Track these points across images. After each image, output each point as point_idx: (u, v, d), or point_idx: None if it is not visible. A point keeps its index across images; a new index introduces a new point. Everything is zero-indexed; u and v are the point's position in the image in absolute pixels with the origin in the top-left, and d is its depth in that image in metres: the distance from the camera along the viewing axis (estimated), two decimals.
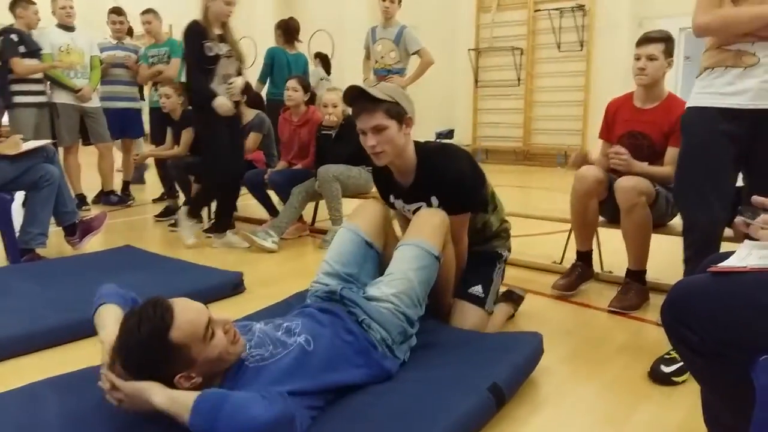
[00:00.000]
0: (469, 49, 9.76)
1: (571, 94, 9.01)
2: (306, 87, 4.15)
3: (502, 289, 2.44)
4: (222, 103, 3.45)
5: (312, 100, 4.27)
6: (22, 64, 4.48)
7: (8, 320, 2.20)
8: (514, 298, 2.49)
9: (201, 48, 3.44)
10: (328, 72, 6.79)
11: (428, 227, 1.97)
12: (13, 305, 2.37)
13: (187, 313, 1.39)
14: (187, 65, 3.57)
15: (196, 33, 3.46)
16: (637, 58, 2.67)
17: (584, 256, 2.86)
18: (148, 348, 1.34)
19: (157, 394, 1.32)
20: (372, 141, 1.99)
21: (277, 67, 5.30)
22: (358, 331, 1.73)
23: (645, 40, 2.67)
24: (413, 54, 4.64)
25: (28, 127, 4.40)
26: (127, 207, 5.22)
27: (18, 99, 4.51)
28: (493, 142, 9.90)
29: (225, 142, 3.58)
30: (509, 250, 2.41)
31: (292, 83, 4.12)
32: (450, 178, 2.06)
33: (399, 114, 2.00)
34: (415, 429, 1.43)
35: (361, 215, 2.10)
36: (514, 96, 9.56)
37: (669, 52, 2.66)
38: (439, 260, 1.94)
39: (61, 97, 4.75)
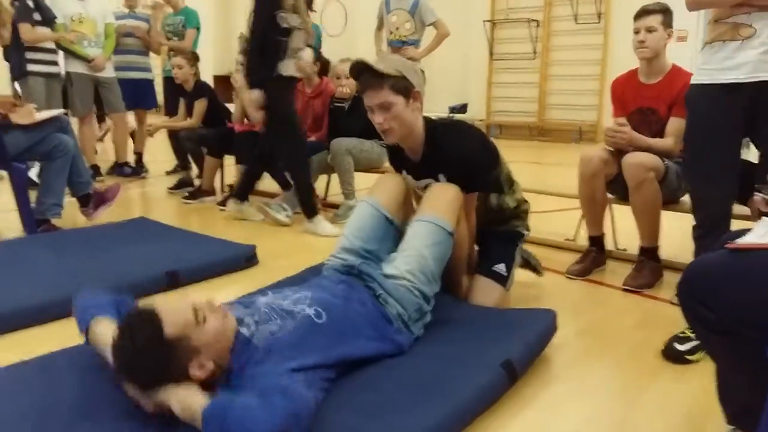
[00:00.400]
0: (484, 21, 9.62)
1: (587, 67, 8.87)
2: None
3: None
4: (256, 98, 3.29)
5: (325, 71, 4.24)
6: (31, 32, 4.41)
7: (26, 290, 2.23)
8: (531, 264, 2.49)
9: (273, 18, 3.19)
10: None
11: (441, 203, 1.95)
12: (30, 275, 2.39)
13: (170, 308, 1.38)
14: (254, 36, 3.27)
15: (269, 1, 3.16)
16: (636, 32, 2.66)
17: (597, 241, 2.83)
18: (150, 355, 1.31)
19: (173, 404, 1.30)
20: (379, 118, 1.96)
21: None
22: (373, 305, 1.73)
23: (643, 12, 2.65)
24: (429, 26, 4.58)
25: (39, 97, 4.39)
26: (141, 179, 5.24)
27: (30, 67, 4.48)
28: (508, 117, 9.81)
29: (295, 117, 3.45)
30: (528, 230, 2.39)
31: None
32: (457, 157, 2.03)
33: (406, 89, 1.95)
34: (427, 403, 1.44)
35: (381, 189, 2.08)
36: (529, 69, 9.44)
37: (668, 23, 2.64)
38: (452, 236, 1.92)
39: (75, 67, 4.73)
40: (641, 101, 2.74)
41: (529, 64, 9.41)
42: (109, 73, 4.91)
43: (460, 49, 9.03)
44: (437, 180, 2.09)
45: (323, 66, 4.22)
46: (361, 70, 1.95)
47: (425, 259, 1.85)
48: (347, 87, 3.83)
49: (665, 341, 1.95)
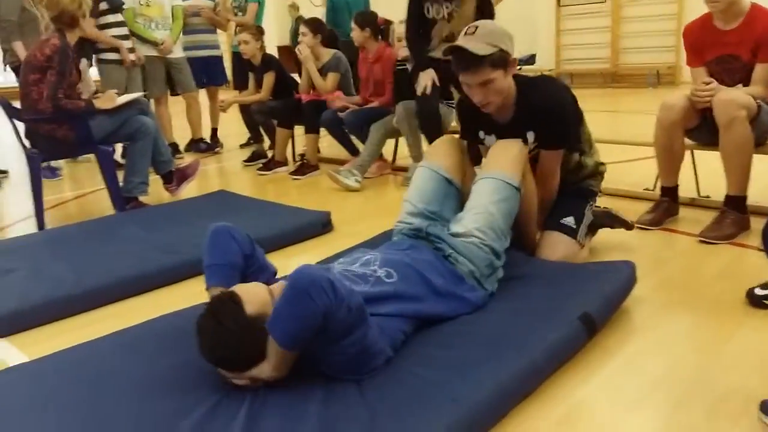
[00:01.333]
0: None
1: (663, 6, 8.37)
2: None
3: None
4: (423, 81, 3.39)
5: (384, 34, 4.21)
6: (90, 28, 4.41)
7: (120, 263, 2.40)
8: (619, 220, 2.41)
9: (420, 6, 3.40)
10: None
11: (506, 158, 1.94)
12: (123, 249, 2.57)
13: (247, 288, 1.44)
14: (406, 24, 3.53)
15: None
16: None
17: (670, 192, 2.72)
18: (237, 336, 1.35)
19: (264, 370, 1.37)
20: (479, 96, 1.97)
21: (336, 9, 5.30)
22: (443, 265, 1.76)
23: None
24: None
25: (119, 83, 4.59)
26: (216, 153, 5.42)
27: (104, 56, 4.65)
28: (579, 65, 9.44)
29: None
30: (600, 190, 2.34)
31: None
32: (551, 108, 2.03)
33: (504, 60, 1.94)
34: (502, 357, 1.46)
35: (438, 152, 2.09)
36: (600, 13, 9.00)
37: None
38: (519, 191, 1.91)
39: (146, 50, 4.90)
40: (720, 49, 2.56)
41: (600, 7, 8.97)
42: (178, 53, 5.05)
43: None
44: (525, 139, 2.09)
45: (382, 28, 4.19)
46: (455, 54, 1.93)
47: (492, 215, 1.85)
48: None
49: (747, 289, 1.89)
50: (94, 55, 4.68)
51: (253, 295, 1.41)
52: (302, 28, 4.29)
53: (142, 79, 4.90)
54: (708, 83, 2.46)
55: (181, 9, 5.07)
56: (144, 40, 4.84)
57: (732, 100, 2.36)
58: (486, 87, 1.94)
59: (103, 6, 4.59)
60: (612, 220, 2.41)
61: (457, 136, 2.27)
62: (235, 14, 5.37)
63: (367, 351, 1.41)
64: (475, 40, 1.91)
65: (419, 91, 3.44)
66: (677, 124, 2.55)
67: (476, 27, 1.97)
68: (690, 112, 2.52)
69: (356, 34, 4.13)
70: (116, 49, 4.64)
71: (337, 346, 1.35)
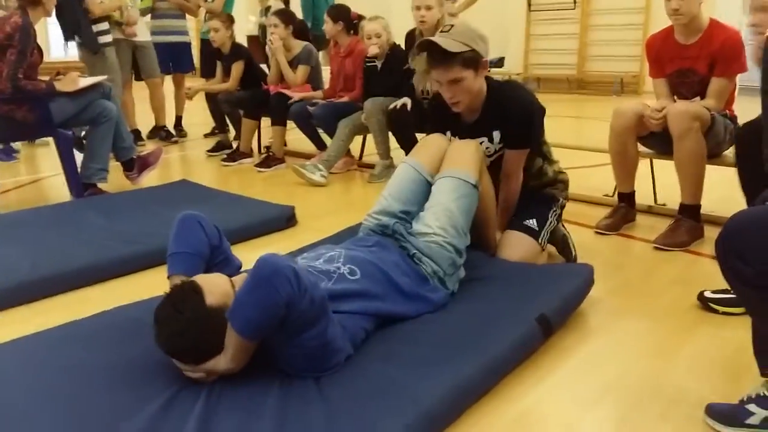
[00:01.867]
0: None
1: (630, 16, 8.56)
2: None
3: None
4: None
5: (356, 30, 4.20)
6: (96, 5, 4.39)
7: (76, 252, 2.33)
8: (567, 252, 2.38)
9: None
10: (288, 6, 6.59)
11: (462, 157, 1.97)
12: (79, 238, 2.50)
13: (208, 278, 1.43)
14: None
15: None
16: None
17: (627, 197, 2.79)
18: (195, 326, 1.33)
19: (221, 363, 1.35)
20: (448, 93, 2.01)
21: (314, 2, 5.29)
22: (407, 264, 1.76)
23: None
24: None
25: (122, 64, 4.52)
26: (173, 143, 5.27)
27: (101, 39, 4.47)
28: (546, 70, 9.58)
29: None
30: (566, 199, 2.38)
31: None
32: (519, 108, 2.10)
33: (475, 61, 1.99)
34: (463, 356, 1.48)
35: (424, 151, 2.08)
36: (569, 20, 9.15)
37: None
38: (477, 188, 1.94)
39: (113, 33, 4.78)
40: (680, 62, 2.65)
41: (569, 14, 9.12)
42: (143, 37, 4.91)
43: (496, 0, 8.79)
44: (491, 138, 2.13)
45: (354, 23, 4.18)
46: (428, 49, 1.97)
47: (452, 212, 1.87)
48: (377, 46, 3.78)
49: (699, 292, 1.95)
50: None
51: (215, 286, 1.39)
52: (274, 20, 4.24)
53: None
54: (660, 109, 2.52)
55: None
56: (112, 22, 4.69)
57: (686, 112, 2.43)
58: (456, 85, 1.99)
59: None
60: (562, 247, 2.39)
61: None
62: (205, 0, 5.28)
63: (327, 347, 1.40)
64: (449, 38, 1.95)
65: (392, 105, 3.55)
66: (630, 130, 2.62)
67: (452, 26, 2.01)
68: (641, 120, 2.59)
69: (329, 27, 4.12)
70: (106, 32, 4.49)
71: (297, 338, 1.34)
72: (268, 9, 5.24)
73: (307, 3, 5.48)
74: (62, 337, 1.65)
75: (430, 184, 2.01)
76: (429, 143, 2.11)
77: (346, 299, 1.55)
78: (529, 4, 9.49)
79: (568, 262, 2.34)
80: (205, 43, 5.26)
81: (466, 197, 1.91)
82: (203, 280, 1.41)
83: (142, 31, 4.90)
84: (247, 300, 1.28)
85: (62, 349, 1.58)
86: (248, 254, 2.45)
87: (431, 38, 1.97)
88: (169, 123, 5.42)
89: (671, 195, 2.91)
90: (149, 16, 5.16)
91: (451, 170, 1.94)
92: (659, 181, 3.07)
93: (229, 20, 4.54)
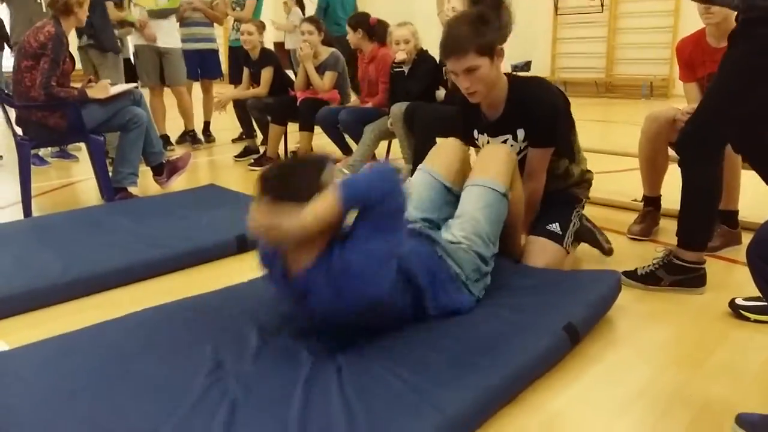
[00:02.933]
0: None
1: (659, 19, 8.44)
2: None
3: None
4: None
5: (382, 36, 4.21)
6: (114, 12, 4.50)
7: (106, 254, 2.38)
8: (598, 241, 2.39)
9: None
10: (303, 12, 6.60)
11: (493, 164, 1.95)
12: (109, 240, 2.55)
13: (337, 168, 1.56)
14: None
15: None
16: None
17: (653, 201, 2.75)
18: (303, 169, 1.46)
19: (294, 217, 1.39)
20: (465, 83, 2.00)
21: (330, 5, 5.29)
22: (437, 262, 1.76)
23: None
24: None
25: (151, 71, 4.64)
26: (196, 148, 5.31)
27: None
28: (573, 74, 9.49)
29: None
30: (587, 198, 2.35)
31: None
32: (543, 106, 2.07)
33: (490, 48, 1.97)
34: (488, 365, 1.47)
35: (438, 157, 2.08)
36: (596, 23, 9.06)
37: None
38: (506, 197, 1.92)
39: (138, 39, 4.87)
40: (712, 66, 2.57)
41: (597, 17, 9.02)
42: (168, 44, 4.94)
43: (524, 4, 8.72)
44: (515, 135, 2.11)
45: (380, 31, 4.20)
46: (443, 40, 1.98)
47: (478, 221, 1.86)
48: (404, 52, 3.79)
49: (730, 299, 1.92)
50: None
51: (333, 175, 1.49)
52: (307, 26, 4.28)
53: (137, 69, 4.87)
54: (692, 112, 2.47)
55: None
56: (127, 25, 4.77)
57: None
58: (472, 74, 1.97)
59: None
60: (594, 240, 2.38)
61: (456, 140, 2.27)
62: (233, 9, 5.35)
63: (391, 261, 1.47)
64: (462, 26, 1.97)
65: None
66: (662, 136, 2.58)
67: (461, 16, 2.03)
68: (674, 125, 2.54)
69: (351, 37, 4.16)
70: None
71: (375, 238, 1.43)
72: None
73: (320, 11, 5.50)
74: (89, 339, 1.68)
75: (448, 189, 2.00)
76: (442, 149, 2.10)
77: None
78: (556, 8, 9.42)
79: (603, 253, 2.35)
80: (232, 51, 5.35)
81: (494, 206, 1.89)
82: (333, 165, 1.51)
83: (168, 37, 4.94)
84: (361, 177, 1.48)
85: (88, 350, 1.61)
86: None
87: (444, 30, 1.99)
88: (198, 128, 5.49)
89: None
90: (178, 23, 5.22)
91: (480, 178, 1.93)
92: None
93: (262, 26, 4.61)
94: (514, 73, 2.15)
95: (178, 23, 5.07)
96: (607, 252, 2.38)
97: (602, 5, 8.92)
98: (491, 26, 1.98)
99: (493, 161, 1.96)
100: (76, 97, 3.22)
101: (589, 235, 2.38)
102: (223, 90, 4.94)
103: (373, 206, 1.43)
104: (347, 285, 1.42)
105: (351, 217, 1.50)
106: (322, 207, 1.41)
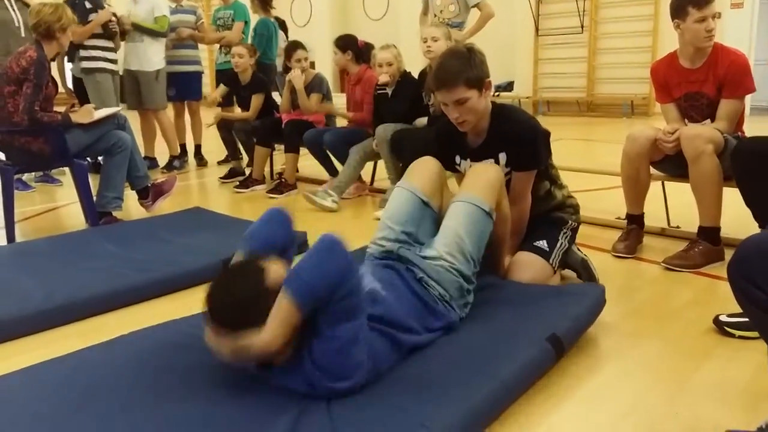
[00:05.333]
0: None
1: (638, 39, 8.61)
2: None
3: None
4: None
5: (366, 58, 4.26)
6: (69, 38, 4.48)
7: (91, 280, 2.36)
8: (589, 272, 2.36)
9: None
10: (286, 35, 6.71)
11: (480, 183, 1.97)
12: (94, 266, 2.52)
13: (273, 263, 1.48)
14: None
15: None
16: (702, 20, 2.50)
17: (637, 219, 2.78)
18: (250, 291, 1.40)
19: (259, 337, 1.36)
20: (455, 113, 2.06)
21: (265, 35, 5.40)
22: (420, 290, 1.77)
23: None
24: (473, 7, 4.53)
25: (108, 93, 4.57)
26: (181, 172, 5.28)
27: (90, 65, 4.59)
28: (555, 94, 9.62)
29: None
30: (578, 223, 2.37)
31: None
32: (523, 129, 2.14)
33: (479, 81, 2.04)
34: (473, 379, 1.47)
35: (416, 173, 2.10)
36: (577, 44, 9.22)
37: None
38: (491, 215, 1.93)
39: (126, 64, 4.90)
40: (687, 86, 2.66)
41: (577, 38, 9.18)
42: (145, 67, 4.95)
43: (504, 26, 8.87)
44: (497, 160, 2.16)
45: (367, 53, 4.24)
46: (434, 71, 2.05)
47: (461, 239, 1.87)
48: (388, 74, 3.84)
49: (715, 316, 1.93)
50: (81, 65, 4.64)
51: (275, 272, 1.44)
52: (302, 53, 4.30)
53: (121, 92, 4.87)
54: (672, 132, 2.52)
55: (165, 20, 4.98)
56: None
57: (698, 135, 2.44)
58: (462, 105, 2.04)
59: (87, 5, 4.50)
60: (585, 269, 2.36)
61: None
62: (218, 30, 5.38)
63: (356, 346, 1.42)
64: (453, 59, 2.04)
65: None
66: (643, 155, 2.62)
67: (456, 50, 2.09)
68: (655, 144, 2.59)
69: (338, 58, 4.20)
70: (108, 60, 4.62)
71: (335, 327, 1.38)
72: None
73: (257, 38, 5.51)
74: (75, 365, 1.66)
75: (425, 204, 2.01)
76: (419, 167, 2.11)
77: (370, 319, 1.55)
78: (537, 29, 9.57)
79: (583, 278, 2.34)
80: (220, 74, 5.36)
81: (478, 224, 1.90)
82: (268, 263, 1.46)
83: (144, 60, 4.95)
84: (306, 265, 1.37)
85: (76, 376, 1.59)
86: None
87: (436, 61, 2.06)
88: (189, 150, 5.49)
89: (685, 217, 2.90)
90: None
91: (466, 195, 1.95)
92: (671, 203, 3.06)
93: (253, 49, 4.64)
94: (497, 93, 2.20)
95: (162, 46, 5.08)
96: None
97: (582, 26, 9.09)
98: (480, 60, 2.05)
99: (481, 179, 1.98)
100: (59, 122, 3.21)
101: (581, 264, 2.37)
102: (206, 112, 4.94)
103: (328, 298, 1.36)
104: (320, 384, 1.41)
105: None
106: (281, 319, 1.36)
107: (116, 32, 4.67)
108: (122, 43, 4.95)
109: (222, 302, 1.41)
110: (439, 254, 1.84)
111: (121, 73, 4.96)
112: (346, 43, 4.19)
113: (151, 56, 4.99)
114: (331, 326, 1.38)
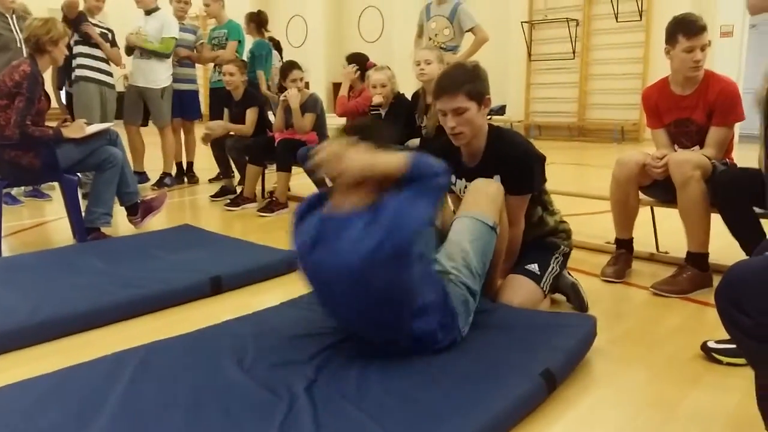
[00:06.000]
0: (522, 22, 9.55)
1: (629, 66, 8.73)
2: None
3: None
4: None
5: (362, 79, 4.30)
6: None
7: (77, 296, 2.33)
8: (578, 300, 2.34)
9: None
10: (281, 55, 6.81)
11: (483, 198, 2.00)
12: (81, 282, 2.49)
13: None
14: None
15: None
16: (690, 51, 2.52)
17: (626, 243, 2.79)
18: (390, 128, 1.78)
19: (358, 155, 1.62)
20: (452, 122, 2.08)
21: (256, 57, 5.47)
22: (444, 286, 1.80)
23: (699, 29, 2.51)
24: (467, 31, 4.58)
25: (90, 102, 4.56)
26: (171, 189, 5.30)
27: (79, 72, 4.59)
28: (547, 118, 9.71)
29: None
30: (570, 248, 2.38)
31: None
32: (519, 153, 2.16)
33: (479, 95, 2.08)
34: (465, 412, 1.45)
35: None
36: (569, 69, 9.33)
37: None
38: (495, 230, 1.95)
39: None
40: (678, 113, 2.69)
41: (569, 63, 9.30)
42: (149, 83, 5.02)
43: (497, 50, 8.97)
44: None
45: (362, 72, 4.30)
46: (438, 79, 2.12)
47: (467, 253, 1.88)
48: (381, 95, 3.87)
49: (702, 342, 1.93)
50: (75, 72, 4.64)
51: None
52: (298, 74, 4.33)
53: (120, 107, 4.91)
54: (661, 157, 2.55)
55: (173, 42, 5.02)
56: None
57: (686, 161, 2.46)
58: (460, 116, 2.06)
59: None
60: (575, 294, 2.34)
61: None
62: (213, 49, 5.41)
63: (427, 215, 1.67)
64: (457, 70, 2.13)
65: None
66: (632, 180, 2.64)
67: (462, 63, 2.21)
68: (644, 169, 2.61)
69: (348, 71, 4.32)
70: (94, 68, 4.63)
71: (418, 201, 1.61)
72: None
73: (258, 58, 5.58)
74: (57, 384, 1.63)
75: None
76: None
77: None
78: (529, 54, 9.69)
79: (581, 311, 2.29)
80: (213, 92, 5.38)
81: (483, 238, 1.92)
82: None
83: (150, 78, 5.00)
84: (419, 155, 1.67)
85: (58, 397, 1.56)
86: (250, 299, 2.46)
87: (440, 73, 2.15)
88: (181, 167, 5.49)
89: (673, 242, 2.91)
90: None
91: (471, 210, 1.97)
92: (660, 229, 3.07)
93: (244, 66, 4.66)
94: (489, 116, 2.23)
95: (168, 64, 5.11)
96: (584, 309, 2.31)
97: (574, 52, 9.21)
98: (484, 77, 2.12)
99: (483, 194, 2.01)
100: (51, 136, 3.20)
101: (571, 288, 2.36)
102: (215, 124, 4.93)
103: (428, 177, 1.63)
104: (380, 222, 1.55)
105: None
106: (391, 158, 1.62)
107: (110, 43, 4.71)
108: (129, 58, 5.02)
109: (361, 121, 1.80)
110: (445, 268, 1.85)
111: (122, 88, 4.98)
112: (357, 61, 4.27)
113: (158, 74, 5.03)
114: (414, 194, 1.61)
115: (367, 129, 1.72)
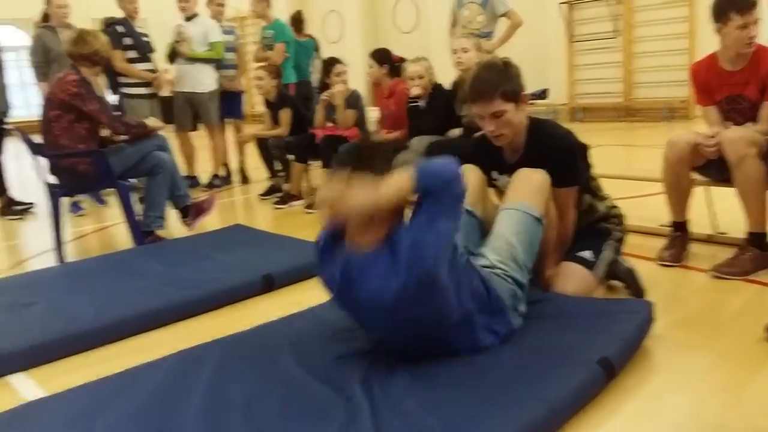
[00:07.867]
0: (560, 3, 9.33)
1: (674, 42, 8.43)
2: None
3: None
4: None
5: (398, 71, 4.30)
6: (121, 61, 4.65)
7: (137, 298, 2.42)
8: (634, 286, 2.29)
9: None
10: (318, 52, 6.78)
11: (528, 188, 1.96)
12: (140, 284, 2.58)
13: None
14: None
15: None
16: (744, 27, 2.44)
17: (682, 226, 2.71)
18: (387, 147, 1.67)
19: (366, 188, 1.54)
20: (491, 126, 2.04)
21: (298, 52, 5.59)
22: (481, 285, 1.76)
23: (752, 4, 2.43)
24: (501, 16, 4.52)
25: (142, 115, 4.70)
26: (221, 190, 5.39)
27: (128, 90, 4.77)
28: (592, 99, 9.47)
29: None
30: (623, 233, 2.33)
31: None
32: (561, 146, 2.10)
33: (515, 94, 2.03)
34: (523, 403, 1.45)
35: None
36: (612, 49, 9.07)
37: None
38: (541, 222, 1.91)
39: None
40: (729, 89, 2.60)
41: (611, 43, 9.03)
42: (197, 88, 5.11)
43: (536, 34, 8.81)
44: None
45: (400, 67, 4.29)
46: (470, 85, 2.05)
47: (513, 246, 1.86)
48: (419, 87, 3.85)
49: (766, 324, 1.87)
50: (120, 89, 4.81)
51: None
52: (342, 67, 4.38)
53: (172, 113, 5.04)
54: (713, 135, 2.47)
55: (219, 45, 5.11)
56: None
57: (740, 138, 2.37)
58: (498, 119, 2.02)
59: (127, 41, 4.69)
60: (632, 281, 2.29)
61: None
62: (264, 51, 5.48)
63: (449, 235, 1.59)
64: (489, 72, 2.04)
65: None
66: (684, 161, 2.56)
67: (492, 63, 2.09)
68: (696, 149, 2.53)
69: (374, 71, 4.26)
70: (142, 84, 4.76)
71: (437, 221, 1.54)
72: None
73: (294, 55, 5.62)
74: (126, 384, 1.70)
75: (470, 213, 2.01)
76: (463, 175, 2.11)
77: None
78: (570, 36, 9.47)
79: (638, 296, 2.23)
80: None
81: (529, 231, 1.90)
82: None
83: (198, 82, 5.10)
84: (428, 163, 1.60)
85: (127, 396, 1.63)
86: (299, 295, 2.50)
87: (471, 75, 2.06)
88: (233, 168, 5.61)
89: (731, 222, 2.82)
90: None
91: (515, 202, 1.94)
92: (718, 208, 2.98)
93: (275, 70, 4.72)
94: (531, 102, 2.19)
95: (212, 67, 5.20)
96: (641, 294, 2.24)
97: (616, 30, 8.95)
98: (516, 73, 2.05)
99: (528, 185, 1.97)
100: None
101: (628, 274, 2.31)
102: (248, 130, 5.05)
103: (439, 191, 1.55)
104: (399, 260, 1.50)
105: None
106: (392, 185, 1.53)
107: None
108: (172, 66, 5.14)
109: (354, 146, 1.68)
110: (491, 263, 1.83)
111: (167, 93, 5.11)
112: (382, 57, 4.27)
113: (204, 78, 5.13)
114: (431, 215, 1.54)
115: (359, 155, 1.62)
